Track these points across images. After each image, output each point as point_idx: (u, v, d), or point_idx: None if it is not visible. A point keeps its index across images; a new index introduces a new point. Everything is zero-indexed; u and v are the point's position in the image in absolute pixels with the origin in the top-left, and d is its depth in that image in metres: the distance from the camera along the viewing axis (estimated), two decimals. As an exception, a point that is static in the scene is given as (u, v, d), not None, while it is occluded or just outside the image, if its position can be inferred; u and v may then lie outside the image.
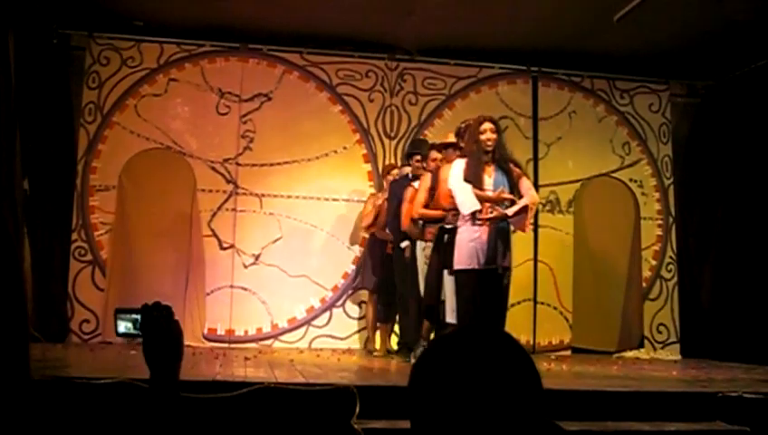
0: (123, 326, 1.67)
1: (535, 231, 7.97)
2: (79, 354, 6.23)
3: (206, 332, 7.46)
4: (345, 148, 8.00)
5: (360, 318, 7.76)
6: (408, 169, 6.90)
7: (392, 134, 8.11)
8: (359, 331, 7.75)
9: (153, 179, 7.60)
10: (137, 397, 3.36)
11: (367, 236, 7.41)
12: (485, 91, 8.34)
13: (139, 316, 1.63)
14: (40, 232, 7.20)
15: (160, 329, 1.57)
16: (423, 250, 6.12)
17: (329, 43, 7.97)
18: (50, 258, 7.26)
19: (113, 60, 7.66)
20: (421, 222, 6.07)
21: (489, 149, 5.26)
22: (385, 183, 7.32)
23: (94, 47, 7.63)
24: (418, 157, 6.62)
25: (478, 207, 5.16)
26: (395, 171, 7.27)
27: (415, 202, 6.06)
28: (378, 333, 7.27)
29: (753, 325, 7.38)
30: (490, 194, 5.21)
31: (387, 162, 7.88)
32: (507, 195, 5.21)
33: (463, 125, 5.80)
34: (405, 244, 6.43)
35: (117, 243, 7.39)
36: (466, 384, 1.14)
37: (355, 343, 7.72)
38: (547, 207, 8.20)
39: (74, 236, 7.38)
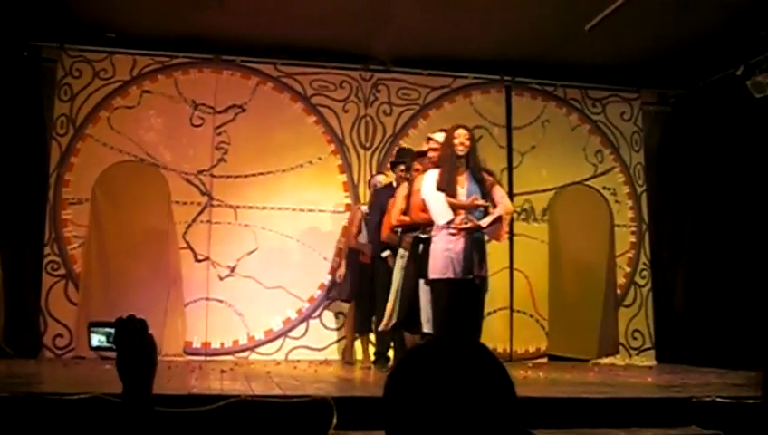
0: (96, 340, 1.64)
1: (510, 240, 8.02)
2: (52, 370, 6.16)
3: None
4: (320, 158, 7.99)
5: (337, 329, 7.75)
6: (381, 178, 6.92)
7: (367, 144, 8.12)
8: (336, 341, 7.73)
9: (127, 192, 7.54)
10: (110, 412, 3.32)
11: (342, 247, 7.43)
12: (460, 101, 8.38)
13: (112, 330, 1.61)
14: (11, 246, 7.11)
15: (134, 342, 1.56)
16: (401, 258, 6.12)
17: (303, 54, 7.97)
18: (22, 273, 7.16)
19: (85, 72, 7.60)
20: (399, 230, 6.07)
21: (461, 153, 5.29)
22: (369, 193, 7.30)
23: (66, 59, 7.57)
24: (403, 166, 6.61)
25: (452, 216, 5.18)
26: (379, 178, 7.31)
27: (393, 210, 6.06)
28: (358, 344, 7.27)
29: (727, 330, 7.46)
30: (463, 201, 5.23)
31: (372, 173, 7.86)
32: (480, 201, 5.24)
33: (434, 135, 5.83)
34: (386, 253, 6.42)
35: (90, 256, 7.32)
36: (440, 394, 1.14)
37: (332, 353, 7.69)
38: (522, 216, 8.25)
39: (47, 250, 7.29)
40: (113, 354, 1.58)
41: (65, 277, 7.30)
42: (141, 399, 1.53)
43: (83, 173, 7.45)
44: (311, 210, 7.90)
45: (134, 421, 1.51)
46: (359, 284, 7.02)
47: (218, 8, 6.90)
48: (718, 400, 4.31)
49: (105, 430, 3.11)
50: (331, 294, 7.65)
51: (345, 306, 7.59)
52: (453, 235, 5.18)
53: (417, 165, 6.20)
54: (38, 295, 7.19)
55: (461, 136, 5.31)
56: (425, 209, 5.43)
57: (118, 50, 7.67)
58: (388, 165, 7.35)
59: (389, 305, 6.03)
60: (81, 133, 7.52)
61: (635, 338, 8.31)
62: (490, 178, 5.46)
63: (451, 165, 5.30)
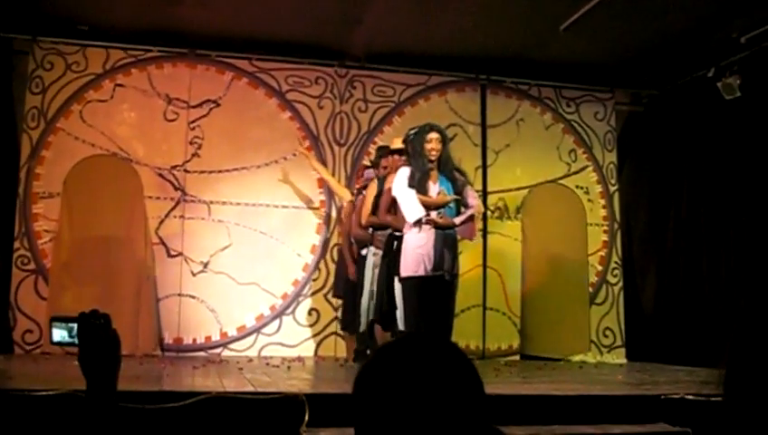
0: (59, 335, 1.60)
1: (484, 237, 8.06)
2: (21, 366, 6.09)
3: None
4: (294, 155, 7.96)
5: (311, 325, 7.74)
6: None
7: (342, 141, 8.11)
8: (311, 337, 7.72)
9: (99, 187, 7.45)
10: (78, 408, 3.29)
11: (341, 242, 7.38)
12: (435, 99, 8.39)
13: (75, 324, 1.58)
14: (-20, 241, 7.02)
15: (97, 337, 1.53)
16: (373, 256, 6.13)
17: (278, 49, 7.94)
18: (-10, 267, 7.07)
19: (57, 64, 7.51)
20: (371, 229, 6.07)
21: (433, 158, 5.31)
22: (357, 184, 7.22)
23: (38, 51, 7.47)
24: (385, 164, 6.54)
25: (423, 213, 5.20)
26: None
27: (363, 210, 6.07)
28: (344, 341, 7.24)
29: (697, 329, 7.56)
30: (434, 198, 5.26)
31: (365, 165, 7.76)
32: (450, 196, 5.26)
33: (412, 132, 5.83)
34: (364, 250, 6.41)
35: (61, 251, 7.23)
36: (409, 392, 1.15)
37: (305, 350, 7.67)
38: (495, 214, 8.29)
39: (17, 244, 7.20)
40: (76, 349, 1.55)
41: (35, 272, 7.21)
42: (105, 395, 1.51)
43: (54, 167, 7.35)
44: (285, 206, 7.87)
45: (98, 417, 1.49)
46: (346, 280, 6.93)
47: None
48: (687, 397, 4.36)
49: (73, 427, 3.09)
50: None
51: (319, 303, 7.60)
52: (427, 230, 5.19)
53: (384, 162, 6.20)
54: (7, 290, 7.10)
55: (432, 141, 5.32)
56: (395, 207, 5.45)
57: (91, 43, 7.58)
58: (368, 162, 7.28)
59: (363, 305, 6.04)
60: (52, 126, 7.43)
61: (606, 336, 8.39)
62: (462, 178, 5.49)
63: (422, 165, 5.32)
